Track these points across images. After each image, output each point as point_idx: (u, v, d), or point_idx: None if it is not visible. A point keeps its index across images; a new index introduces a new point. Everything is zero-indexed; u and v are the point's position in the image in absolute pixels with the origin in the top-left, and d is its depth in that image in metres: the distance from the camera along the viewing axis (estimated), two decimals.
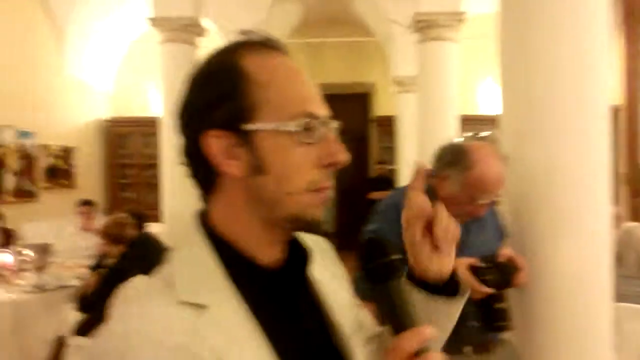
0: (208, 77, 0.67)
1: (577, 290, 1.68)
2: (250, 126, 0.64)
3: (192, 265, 0.65)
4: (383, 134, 8.77)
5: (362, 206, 6.52)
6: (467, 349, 1.73)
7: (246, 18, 6.74)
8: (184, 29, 5.11)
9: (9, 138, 5.80)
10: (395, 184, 7.72)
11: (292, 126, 0.64)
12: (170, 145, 5.11)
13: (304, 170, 0.65)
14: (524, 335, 1.77)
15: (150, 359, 0.56)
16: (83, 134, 7.54)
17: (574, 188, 1.69)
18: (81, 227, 5.27)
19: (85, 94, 7.59)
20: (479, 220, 1.72)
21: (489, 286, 1.53)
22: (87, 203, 5.36)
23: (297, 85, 0.67)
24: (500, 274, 1.56)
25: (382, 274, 0.66)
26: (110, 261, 3.38)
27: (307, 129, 0.65)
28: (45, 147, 6.52)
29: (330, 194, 0.69)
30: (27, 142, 6.13)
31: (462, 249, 1.66)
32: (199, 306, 0.60)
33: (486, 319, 1.59)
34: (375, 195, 7.07)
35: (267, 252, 0.69)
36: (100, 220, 4.71)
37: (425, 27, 4.84)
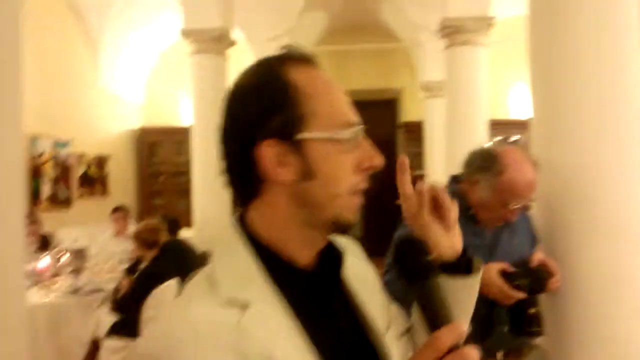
0: (257, 90, 0.70)
1: (610, 295, 1.64)
2: (301, 135, 0.68)
3: (234, 266, 0.68)
4: (411, 139, 8.72)
5: (390, 212, 6.50)
6: (500, 354, 1.72)
7: (274, 27, 6.81)
8: (214, 40, 5.19)
9: (46, 147, 5.98)
10: None
11: (341, 134, 0.69)
12: (200, 153, 5.19)
13: (346, 174, 0.70)
14: (555, 341, 1.75)
15: (198, 358, 0.59)
16: (116, 143, 7.73)
17: (607, 191, 1.67)
18: (115, 232, 5.39)
19: (118, 105, 7.78)
20: (510, 225, 1.71)
21: (520, 291, 1.52)
22: (120, 209, 5.48)
23: (338, 96, 0.73)
24: (533, 279, 1.55)
25: (420, 273, 0.68)
26: (143, 265, 3.47)
27: (352, 136, 0.70)
28: (80, 156, 6.70)
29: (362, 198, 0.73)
30: (63, 152, 6.31)
31: (493, 254, 1.66)
32: (242, 305, 0.64)
33: (518, 324, 1.58)
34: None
35: (304, 254, 0.73)
36: (133, 226, 4.83)
37: (454, 32, 4.81)
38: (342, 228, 0.72)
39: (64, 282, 3.86)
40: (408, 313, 0.90)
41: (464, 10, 4.78)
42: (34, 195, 5.70)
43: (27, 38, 1.73)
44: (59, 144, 6.22)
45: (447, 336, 0.60)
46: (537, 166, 1.62)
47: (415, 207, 0.81)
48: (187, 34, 5.23)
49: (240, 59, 5.15)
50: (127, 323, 3.21)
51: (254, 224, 0.72)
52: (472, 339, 0.62)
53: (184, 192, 7.12)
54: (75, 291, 3.71)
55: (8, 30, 1.67)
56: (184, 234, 4.84)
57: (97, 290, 3.82)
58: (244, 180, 0.72)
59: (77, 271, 3.94)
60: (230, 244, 0.71)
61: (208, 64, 5.20)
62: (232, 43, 5.37)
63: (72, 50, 6.64)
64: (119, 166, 7.70)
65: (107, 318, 3.48)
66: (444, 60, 5.07)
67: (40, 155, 5.86)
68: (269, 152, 0.68)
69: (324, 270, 0.75)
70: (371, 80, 8.78)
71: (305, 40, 7.42)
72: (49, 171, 6.04)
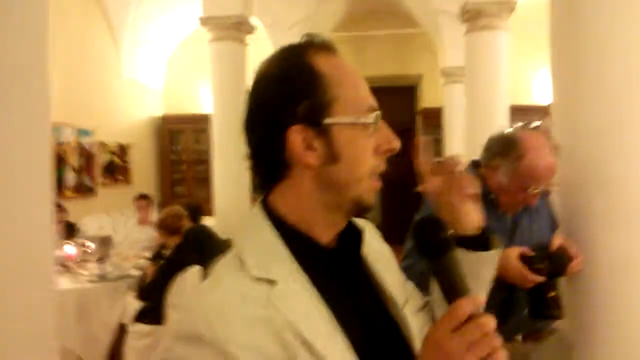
0: (285, 77, 0.72)
1: (630, 279, 1.63)
2: (328, 120, 0.71)
3: (261, 246, 0.72)
4: (429, 126, 8.66)
5: (408, 200, 6.49)
6: (519, 338, 1.73)
7: (293, 14, 6.79)
8: (233, 28, 5.21)
9: (70, 136, 6.09)
10: None
11: (365, 119, 0.72)
12: (220, 140, 5.24)
13: (368, 157, 0.74)
14: (575, 325, 1.75)
15: (231, 331, 0.62)
16: (138, 131, 7.84)
17: (628, 176, 1.65)
18: (138, 220, 5.50)
19: (140, 93, 7.88)
20: (530, 210, 1.71)
21: (540, 275, 1.52)
22: (144, 197, 5.58)
23: (359, 81, 0.76)
24: (552, 263, 1.55)
25: (439, 248, 0.71)
26: (167, 252, 3.54)
27: (374, 120, 0.73)
28: (103, 144, 6.82)
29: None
30: (86, 140, 6.42)
31: (513, 238, 1.67)
32: (269, 281, 0.67)
33: (537, 308, 1.59)
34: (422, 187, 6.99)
35: (326, 233, 0.76)
36: (156, 214, 4.92)
37: (474, 16, 4.75)
38: (363, 209, 0.75)
39: (90, 269, 3.96)
40: (425, 294, 0.93)
41: None
42: (58, 183, 5.82)
43: (51, 29, 1.77)
44: (82, 133, 6.33)
45: (466, 305, 0.63)
46: (558, 150, 1.61)
47: (441, 187, 0.86)
48: (206, 21, 5.26)
49: (259, 47, 5.17)
50: (153, 310, 3.29)
51: (278, 206, 0.75)
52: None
53: (204, 180, 7.21)
54: (102, 278, 3.81)
55: (37, 21, 1.72)
56: (205, 221, 4.91)
57: (124, 277, 3.91)
58: (270, 164, 0.74)
59: (102, 258, 4.05)
60: (256, 226, 0.74)
61: (227, 51, 5.23)
62: (250, 30, 5.38)
63: (95, 39, 6.73)
64: (141, 154, 7.82)
65: (134, 304, 3.56)
66: (465, 45, 5.01)
67: (64, 144, 5.97)
68: (297, 137, 0.71)
69: (345, 249, 0.78)
70: (390, 66, 8.72)
71: (324, 26, 7.39)
72: (73, 160, 6.16)
